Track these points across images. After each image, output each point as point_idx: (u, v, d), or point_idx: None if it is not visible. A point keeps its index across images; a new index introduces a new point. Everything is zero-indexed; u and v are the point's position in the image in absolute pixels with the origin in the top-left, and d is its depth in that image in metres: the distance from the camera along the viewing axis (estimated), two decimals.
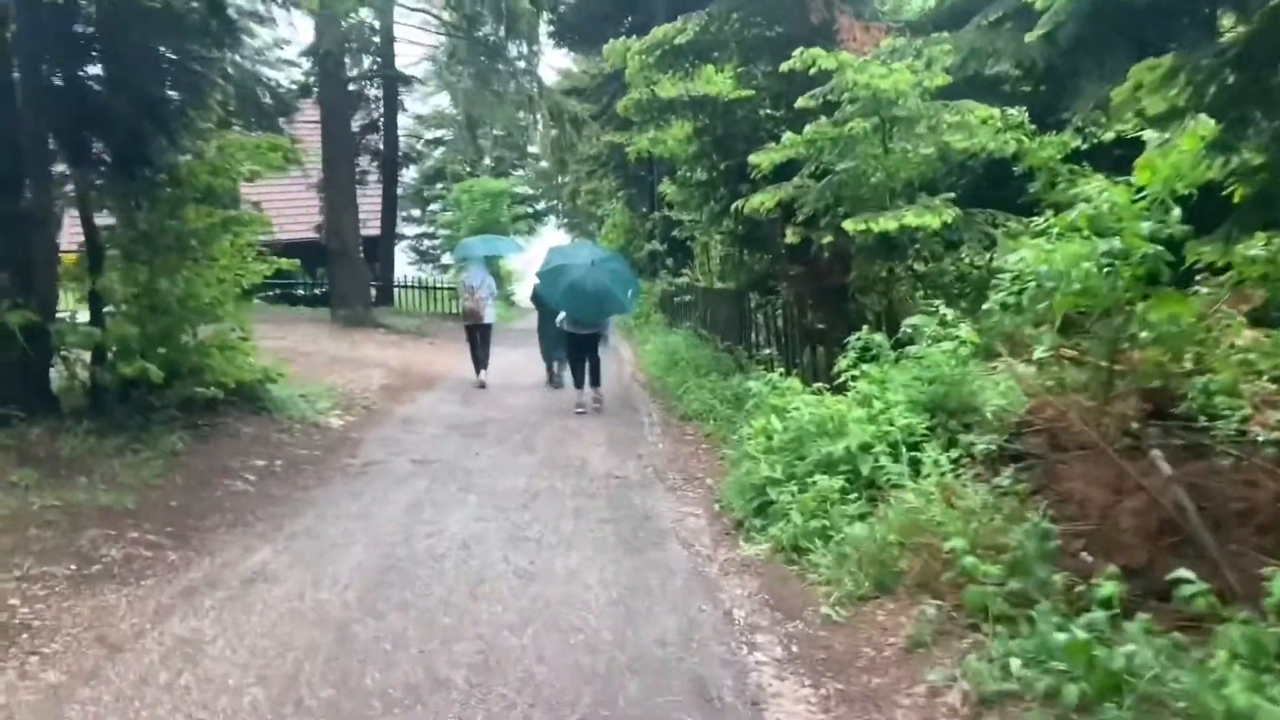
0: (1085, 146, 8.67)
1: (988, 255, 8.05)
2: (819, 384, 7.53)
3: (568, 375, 12.61)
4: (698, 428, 10.24)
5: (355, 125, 25.85)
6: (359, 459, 8.76)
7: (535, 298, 13.76)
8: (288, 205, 26.67)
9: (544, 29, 23.28)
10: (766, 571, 5.60)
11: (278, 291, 25.52)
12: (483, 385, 13.51)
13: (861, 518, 5.48)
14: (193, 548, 6.07)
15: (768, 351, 9.66)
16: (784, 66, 8.44)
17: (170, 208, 8.44)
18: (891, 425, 6.13)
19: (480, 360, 13.80)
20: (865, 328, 7.43)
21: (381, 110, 26.40)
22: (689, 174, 12.45)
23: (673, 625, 4.81)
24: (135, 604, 5.04)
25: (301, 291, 26.19)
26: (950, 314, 6.58)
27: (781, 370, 8.54)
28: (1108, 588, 3.79)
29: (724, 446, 9.00)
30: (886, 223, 7.38)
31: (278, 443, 9.03)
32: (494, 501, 7.30)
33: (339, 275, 19.70)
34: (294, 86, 24.47)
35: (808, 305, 10.18)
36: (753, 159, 8.79)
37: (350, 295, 19.51)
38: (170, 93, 8.74)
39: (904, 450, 5.93)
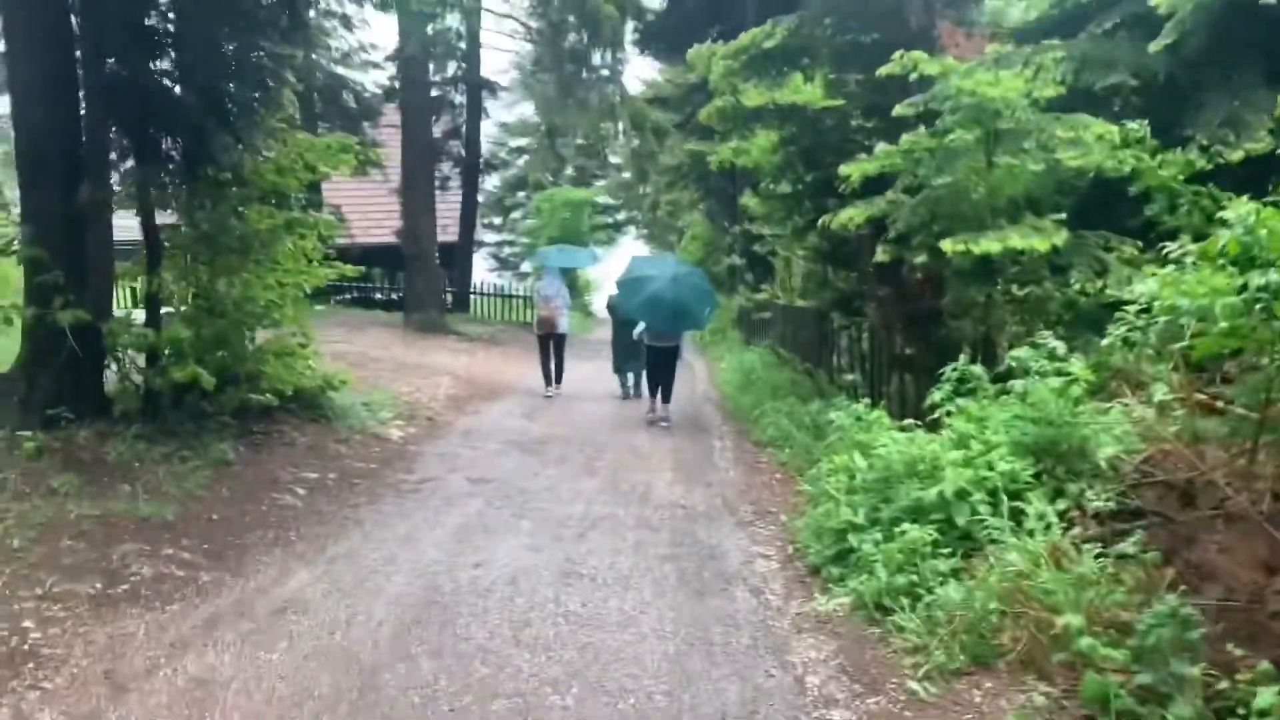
0: (1209, 166, 7.86)
1: (1099, 283, 7.30)
2: (908, 419, 6.87)
3: (643, 384, 12.64)
4: (772, 455, 9.64)
5: (437, 131, 25.84)
6: (414, 475, 8.37)
7: (611, 307, 13.74)
8: (369, 209, 26.81)
9: (629, 36, 22.96)
10: (845, 631, 4.98)
11: (355, 295, 25.64)
12: (549, 397, 13.40)
13: (956, 576, 4.84)
14: (227, 568, 5.70)
15: (851, 377, 9.01)
16: (882, 71, 7.81)
17: (233, 207, 8.17)
18: (991, 470, 5.46)
19: (551, 371, 13.65)
20: (962, 357, 6.75)
21: (464, 116, 26.32)
22: (772, 186, 11.87)
23: (735, 693, 4.24)
24: (154, 633, 4.66)
25: (379, 296, 26.23)
26: (1060, 347, 5.89)
27: (866, 400, 7.91)
28: (1265, 696, 3.12)
29: (801, 479, 8.38)
30: (989, 244, 6.71)
31: (333, 454, 8.70)
32: (549, 529, 6.82)
33: (414, 280, 19.56)
34: (378, 91, 24.65)
35: (896, 329, 9.51)
36: (843, 170, 8.19)
37: (424, 300, 19.34)
38: (239, 89, 8.49)
39: (1005, 500, 5.27)
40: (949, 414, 6.37)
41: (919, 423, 6.66)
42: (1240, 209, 4.41)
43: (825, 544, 5.95)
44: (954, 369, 6.67)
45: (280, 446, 8.54)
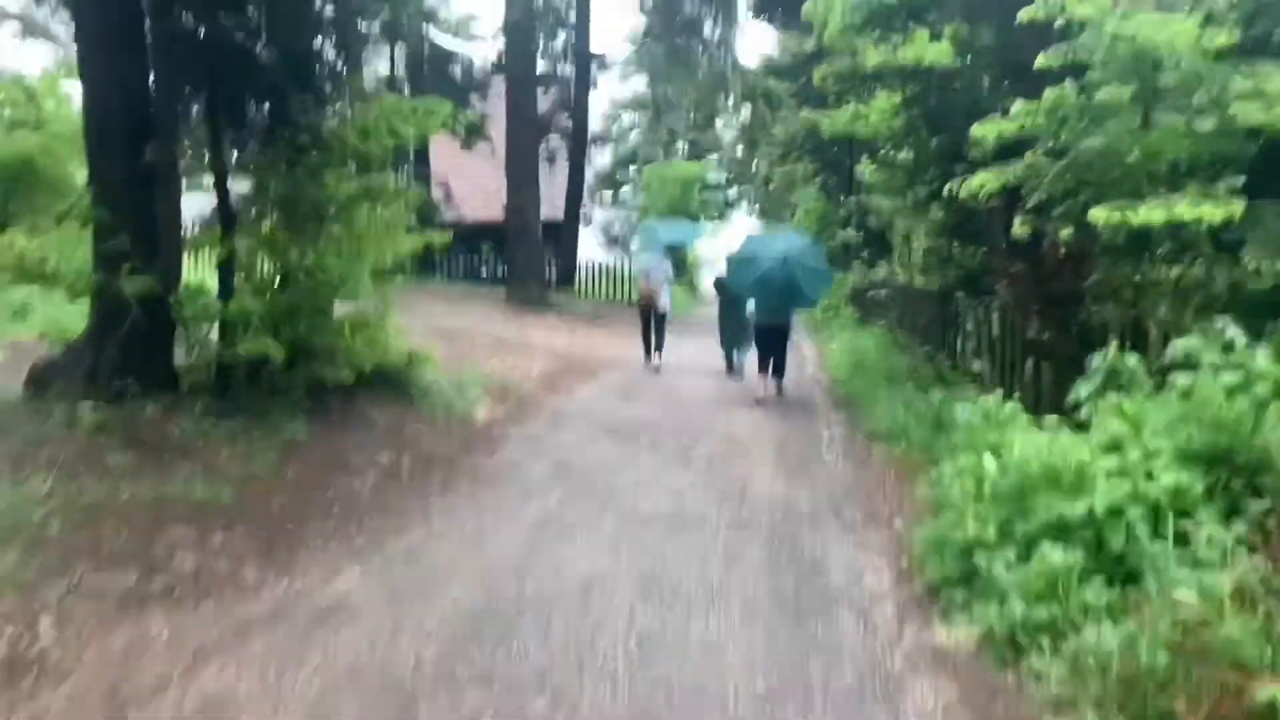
0: None
1: (1278, 264, 6.18)
2: (1046, 415, 5.94)
3: (747, 363, 12.66)
4: (885, 450, 8.75)
5: (545, 104, 25.38)
6: (495, 460, 7.81)
7: (719, 284, 13.46)
8: (480, 185, 26.57)
9: (745, 1, 22.01)
10: (970, 673, 4.16)
11: (462, 270, 25.49)
12: (657, 369, 13.36)
13: (1110, 614, 3.96)
14: (275, 563, 5.21)
15: (978, 365, 8.04)
16: (1023, 15, 6.80)
17: (310, 171, 7.70)
18: (1152, 481, 4.54)
19: (653, 344, 13.57)
20: (1113, 346, 5.78)
21: (572, 90, 25.78)
22: (893, 153, 10.86)
23: None
24: (177, 639, 4.17)
25: (485, 272, 26.02)
26: (1239, 336, 4.89)
27: (999, 392, 6.97)
28: None
29: (918, 479, 7.51)
30: (1150, 213, 5.71)
31: (411, 436, 8.21)
32: (633, 529, 6.15)
33: (517, 255, 19.16)
34: (488, 64, 24.30)
35: (1030, 312, 8.48)
36: (976, 131, 7.22)
37: (527, 276, 18.93)
38: (320, 46, 8.04)
39: (1170, 519, 4.35)
40: (1097, 412, 5.43)
41: (1061, 421, 5.73)
42: None
43: (947, 561, 5.11)
44: (1104, 359, 5.71)
45: (356, 427, 8.09)
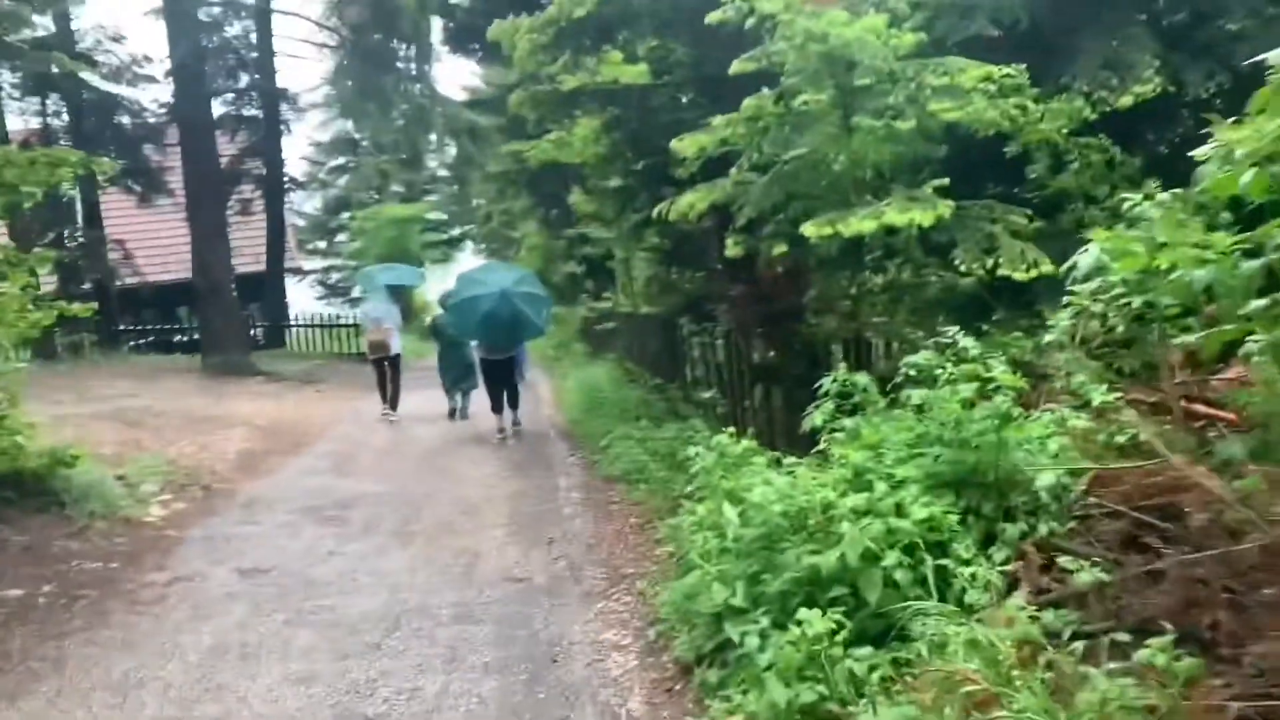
0: (1094, 116, 6.82)
1: (989, 261, 6.09)
2: (782, 445, 5.48)
3: (473, 407, 12.85)
4: (625, 494, 8.15)
5: (233, 149, 23.36)
6: (165, 573, 6.43)
7: (435, 328, 13.35)
8: (163, 243, 23.95)
9: (437, 35, 21.14)
10: None
11: (149, 340, 22.86)
12: (394, 421, 13.02)
13: (886, 691, 3.40)
14: None
15: (709, 394, 7.59)
16: (712, 18, 6.40)
17: None
18: (904, 516, 4.08)
19: (388, 395, 13.21)
20: (842, 365, 5.39)
21: (263, 132, 23.88)
22: (601, 180, 10.37)
23: None
24: None
25: (179, 338, 23.45)
26: (971, 344, 4.58)
27: (729, 426, 6.47)
28: None
29: (660, 523, 6.92)
30: (862, 223, 5.39)
31: (58, 554, 6.66)
32: (333, 641, 5.09)
33: (209, 317, 17.20)
34: (160, 109, 21.97)
35: (753, 334, 8.17)
36: (675, 146, 6.75)
37: (223, 340, 17.03)
38: None
39: (928, 559, 3.90)
40: (833, 440, 5.00)
41: (797, 454, 5.26)
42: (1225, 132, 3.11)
43: (697, 632, 4.46)
44: (833, 380, 5.31)
45: None
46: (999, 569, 3.88)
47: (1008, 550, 4.07)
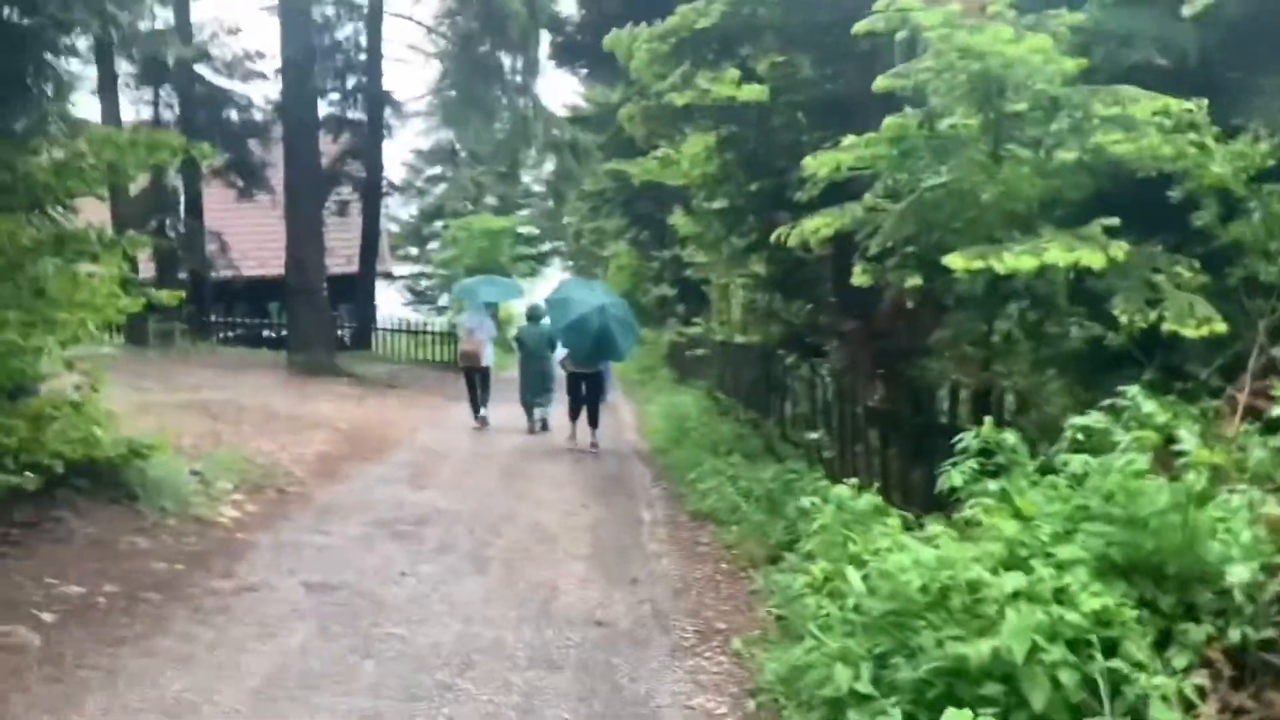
0: (1275, 163, 6.10)
1: (1151, 314, 5.42)
2: (895, 503, 4.90)
3: (553, 421, 12.90)
4: (715, 534, 7.62)
5: (334, 150, 23.53)
6: (232, 580, 6.09)
7: (519, 339, 13.54)
8: (261, 238, 24.22)
9: (545, 50, 21.04)
10: None
11: (238, 333, 23.08)
12: (482, 426, 13.27)
13: None
14: None
15: (814, 436, 7.02)
16: (860, 27, 5.87)
17: None
18: (1069, 606, 3.48)
19: (478, 402, 13.43)
20: (988, 420, 4.78)
21: (365, 135, 23.99)
22: (707, 201, 9.89)
23: None
24: None
25: (268, 334, 23.63)
26: (1154, 409, 3.95)
27: (834, 472, 5.93)
28: None
29: (755, 574, 6.38)
30: (1018, 259, 4.80)
31: (125, 551, 6.38)
32: (402, 674, 4.66)
33: (299, 315, 17.19)
34: (268, 105, 22.25)
35: (867, 373, 7.58)
36: (808, 164, 6.21)
37: (311, 339, 16.98)
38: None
39: (1100, 659, 3.29)
40: (975, 505, 4.39)
41: (914, 512, 4.67)
42: None
43: (814, 715, 3.90)
44: (975, 435, 4.70)
45: (47, 543, 6.21)
46: (1183, 678, 3.27)
47: (1189, 656, 3.46)
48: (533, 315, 13.16)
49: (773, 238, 6.59)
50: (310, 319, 17.04)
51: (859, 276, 5.94)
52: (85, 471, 7.04)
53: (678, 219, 12.76)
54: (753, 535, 7.07)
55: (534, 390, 12.94)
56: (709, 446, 10.05)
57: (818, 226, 6.03)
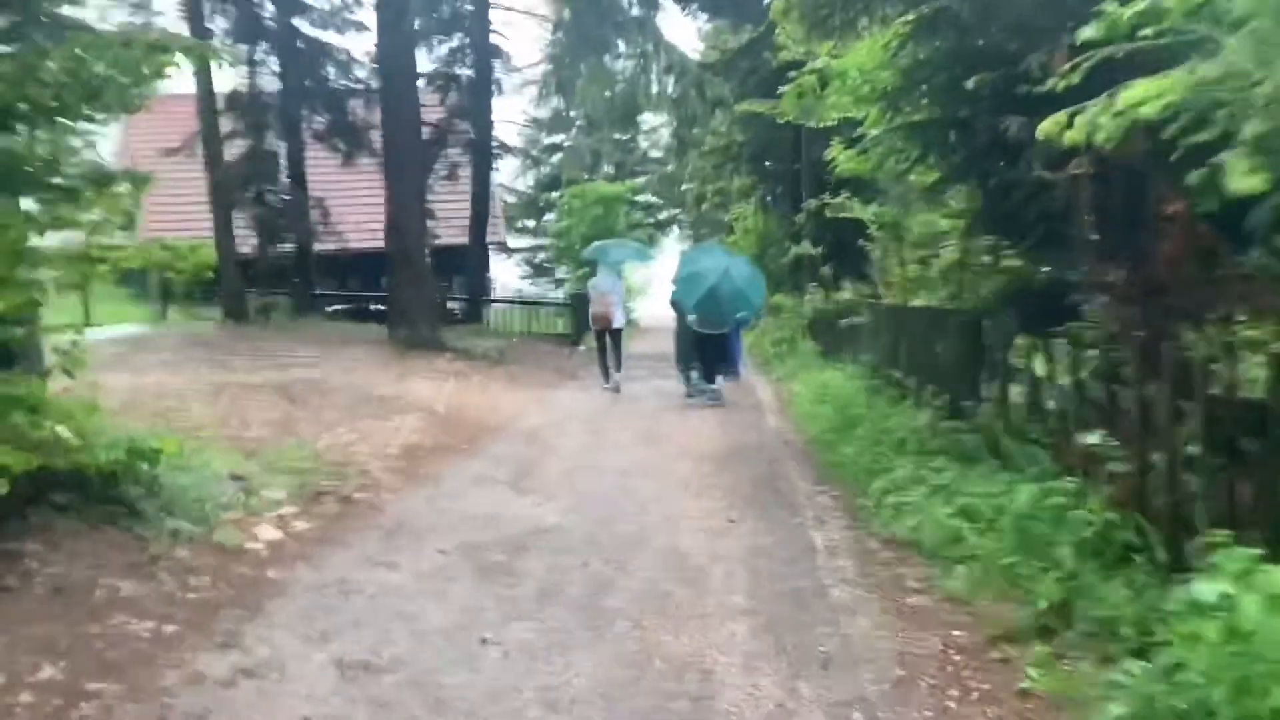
0: None
1: None
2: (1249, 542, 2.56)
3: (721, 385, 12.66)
4: (927, 573, 5.33)
5: (441, 110, 21.87)
6: (233, 655, 4.12)
7: (674, 302, 13.33)
8: (368, 207, 22.76)
9: None
10: None
11: (348, 307, 21.69)
12: (616, 389, 13.27)
13: None
14: None
15: (1093, 439, 4.59)
16: None
17: None
18: None
19: (610, 366, 13.47)
20: None
21: (474, 95, 22.19)
22: (892, 114, 7.43)
23: None
24: None
25: (377, 307, 22.18)
26: None
27: (1122, 492, 3.58)
28: None
29: (1013, 648, 4.12)
30: None
31: (100, 602, 4.51)
32: None
33: (399, 286, 15.49)
34: (370, 60, 20.64)
35: (1149, 344, 5.14)
36: (1110, 10, 3.84)
37: (412, 311, 15.26)
38: None
39: None
40: None
41: None
42: None
43: None
44: None
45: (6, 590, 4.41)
46: None
47: None
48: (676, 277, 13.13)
49: (1041, 131, 4.23)
50: (411, 290, 15.31)
51: (1240, 174, 3.47)
52: (73, 484, 5.25)
53: (835, 151, 10.38)
54: (996, 584, 4.77)
55: (692, 349, 12.78)
56: (891, 443, 7.73)
57: (1141, 97, 3.63)
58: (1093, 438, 4.53)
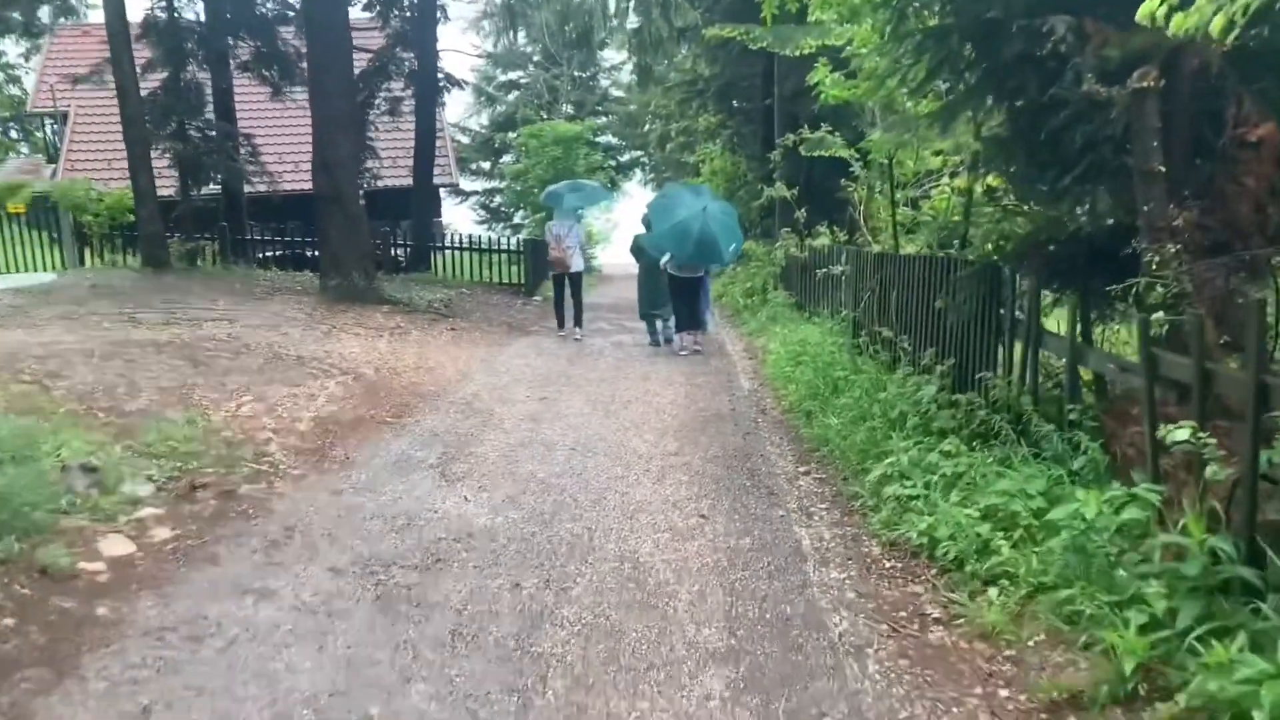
0: None
1: None
2: None
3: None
4: (948, 594, 4.22)
5: (380, 38, 20.21)
6: None
7: (636, 249, 13.06)
8: (302, 148, 21.12)
9: None
10: None
11: (281, 253, 20.08)
12: (577, 340, 12.84)
13: None
14: None
15: (1181, 432, 3.48)
16: None
17: None
18: None
19: (567, 313, 13.16)
20: None
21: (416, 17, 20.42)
22: (895, 25, 6.17)
23: None
24: None
25: (313, 253, 20.61)
26: None
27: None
28: None
29: (1089, 716, 3.01)
30: None
31: None
32: None
33: (330, 230, 13.96)
34: None
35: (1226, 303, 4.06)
36: None
37: (345, 259, 13.81)
38: None
39: None
40: None
41: None
42: None
43: None
44: None
45: None
46: None
47: None
48: (649, 223, 12.41)
49: (1142, 13, 3.03)
50: (344, 235, 13.82)
51: None
52: None
53: (820, 74, 9.06)
54: (1049, 622, 3.66)
55: (655, 302, 12.47)
56: (882, 416, 6.59)
57: None
58: (1181, 433, 3.38)
